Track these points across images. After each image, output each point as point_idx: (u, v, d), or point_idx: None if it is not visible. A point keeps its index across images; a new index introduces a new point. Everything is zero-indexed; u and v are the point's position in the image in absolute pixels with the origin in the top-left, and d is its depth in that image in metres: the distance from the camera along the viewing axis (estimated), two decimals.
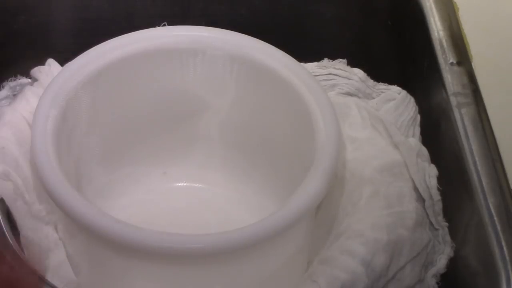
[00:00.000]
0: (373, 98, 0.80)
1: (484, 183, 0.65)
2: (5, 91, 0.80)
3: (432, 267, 0.68)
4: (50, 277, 0.65)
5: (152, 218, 0.72)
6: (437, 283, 0.68)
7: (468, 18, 0.75)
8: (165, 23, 0.77)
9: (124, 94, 0.73)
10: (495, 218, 0.63)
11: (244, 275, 0.64)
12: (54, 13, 0.81)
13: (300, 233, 0.66)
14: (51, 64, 0.77)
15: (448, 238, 0.69)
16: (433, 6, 0.77)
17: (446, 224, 0.70)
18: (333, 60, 0.82)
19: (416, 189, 0.70)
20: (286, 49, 0.72)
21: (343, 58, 0.82)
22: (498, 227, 0.62)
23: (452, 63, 0.73)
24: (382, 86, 0.81)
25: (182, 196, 0.77)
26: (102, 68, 0.70)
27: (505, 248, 0.61)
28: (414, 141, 0.74)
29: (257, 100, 0.73)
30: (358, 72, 0.81)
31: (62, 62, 0.75)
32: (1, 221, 0.66)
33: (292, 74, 0.70)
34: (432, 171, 0.72)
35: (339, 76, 0.81)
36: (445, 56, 0.74)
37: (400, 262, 0.66)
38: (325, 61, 0.82)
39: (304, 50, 0.78)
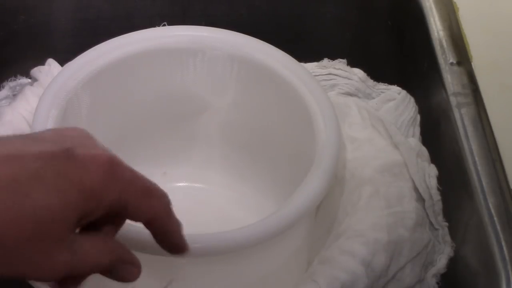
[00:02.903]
0: (373, 98, 0.80)
1: (484, 183, 0.65)
2: (5, 91, 0.80)
3: (432, 267, 0.68)
4: None
5: None
6: (437, 283, 0.67)
7: (468, 18, 0.75)
8: (165, 23, 0.77)
9: (124, 94, 0.73)
10: (495, 218, 0.63)
11: (244, 274, 0.64)
12: (54, 13, 0.81)
13: (300, 233, 0.66)
14: (51, 64, 0.77)
15: (448, 238, 0.69)
16: (433, 6, 0.77)
17: (446, 224, 0.70)
18: (333, 60, 0.82)
19: (416, 189, 0.70)
20: (286, 49, 0.72)
21: (343, 58, 0.82)
22: (498, 227, 0.62)
23: (452, 63, 0.73)
24: (382, 86, 0.81)
25: (182, 196, 0.77)
26: (102, 68, 0.70)
27: (505, 248, 0.61)
28: (414, 141, 0.74)
29: (257, 100, 0.73)
30: (358, 72, 0.81)
31: (62, 62, 0.75)
32: None
33: (292, 74, 0.70)
34: (432, 171, 0.72)
35: (339, 76, 0.81)
36: (445, 56, 0.74)
37: (400, 262, 0.66)
38: (325, 61, 0.82)
39: (304, 50, 0.78)
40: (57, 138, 0.45)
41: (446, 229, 0.70)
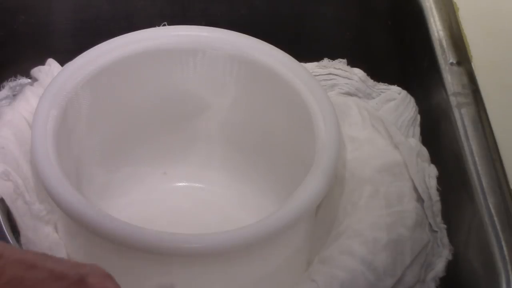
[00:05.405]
0: (373, 98, 0.80)
1: (484, 183, 0.65)
2: (5, 91, 0.80)
3: (432, 270, 0.68)
4: None
5: (152, 218, 0.72)
6: (437, 287, 0.67)
7: (468, 18, 0.75)
8: (165, 23, 0.77)
9: (124, 94, 0.73)
10: (495, 218, 0.63)
11: (244, 274, 0.64)
12: (54, 13, 0.81)
13: (299, 233, 0.66)
14: (51, 64, 0.77)
15: (446, 240, 0.69)
16: (433, 6, 0.77)
17: (444, 226, 0.70)
18: (333, 60, 0.82)
19: (416, 189, 0.70)
20: (286, 49, 0.72)
21: (343, 58, 0.82)
22: (498, 227, 0.62)
23: (452, 63, 0.73)
24: (382, 86, 0.81)
25: (182, 196, 0.77)
26: (102, 68, 0.70)
27: (505, 248, 0.61)
28: (414, 141, 0.74)
29: (257, 100, 0.74)
30: (358, 72, 0.81)
31: (62, 62, 0.75)
32: (1, 221, 0.66)
33: (292, 74, 0.70)
34: (432, 171, 0.72)
35: (339, 76, 0.81)
36: (445, 56, 0.74)
37: (405, 261, 0.66)
38: (325, 61, 0.82)
39: (304, 50, 0.78)
40: None
41: (444, 231, 0.69)
